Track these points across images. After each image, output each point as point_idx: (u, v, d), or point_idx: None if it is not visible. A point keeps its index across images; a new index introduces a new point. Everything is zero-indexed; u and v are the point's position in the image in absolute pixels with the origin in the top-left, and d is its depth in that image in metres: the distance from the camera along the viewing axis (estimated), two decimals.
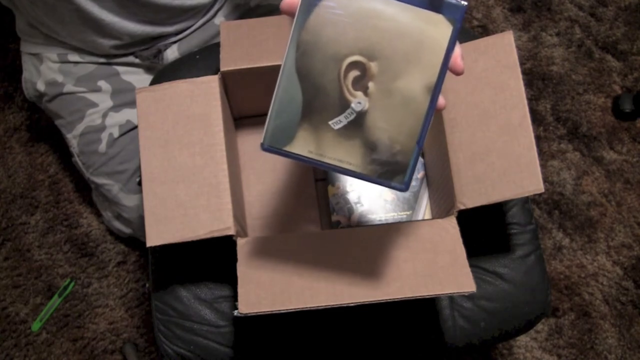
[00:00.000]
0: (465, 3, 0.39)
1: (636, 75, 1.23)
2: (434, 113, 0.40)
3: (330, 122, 0.40)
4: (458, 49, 0.40)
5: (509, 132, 0.57)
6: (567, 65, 1.23)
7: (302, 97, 0.40)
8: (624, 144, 1.18)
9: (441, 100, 0.41)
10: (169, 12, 0.80)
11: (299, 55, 0.39)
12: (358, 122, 0.40)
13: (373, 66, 0.39)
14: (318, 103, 0.40)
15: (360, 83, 0.40)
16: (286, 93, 0.40)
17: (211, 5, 0.86)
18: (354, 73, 0.39)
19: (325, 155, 0.40)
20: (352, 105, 0.40)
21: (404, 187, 0.41)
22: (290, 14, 0.40)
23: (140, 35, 0.82)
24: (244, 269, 0.52)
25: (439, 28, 0.39)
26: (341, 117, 0.40)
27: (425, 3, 0.38)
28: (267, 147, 0.40)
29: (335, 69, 0.39)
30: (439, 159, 0.62)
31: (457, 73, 0.41)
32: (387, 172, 0.41)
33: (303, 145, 0.40)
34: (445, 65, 0.39)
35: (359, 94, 0.40)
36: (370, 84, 0.40)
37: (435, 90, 0.39)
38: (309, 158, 0.40)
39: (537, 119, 1.20)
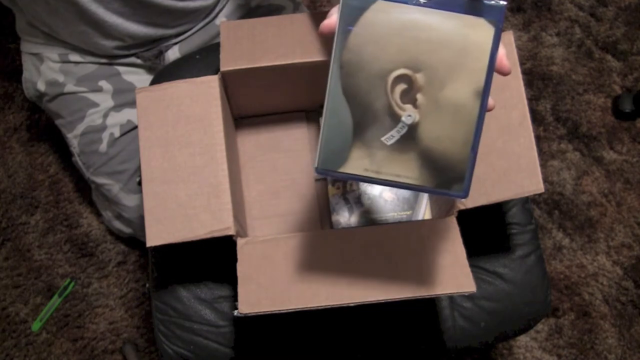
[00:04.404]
0: (505, 2, 0.38)
1: (636, 75, 1.23)
2: (484, 117, 0.40)
3: (382, 139, 0.40)
4: (502, 50, 0.40)
5: (509, 132, 0.57)
6: (567, 65, 1.23)
7: (352, 117, 0.39)
8: (624, 144, 1.18)
9: (491, 102, 0.40)
10: (172, 14, 0.80)
11: (343, 75, 0.39)
12: (411, 135, 0.40)
13: (419, 77, 0.39)
14: (368, 121, 0.39)
15: (409, 96, 0.39)
16: (335, 115, 0.39)
17: (213, 7, 0.86)
18: (401, 87, 0.39)
19: (382, 171, 0.40)
20: (403, 118, 0.39)
21: (463, 194, 0.40)
22: (329, 35, 0.40)
23: (142, 37, 0.82)
24: (244, 269, 0.52)
25: (481, 31, 0.38)
26: (393, 132, 0.40)
27: (463, 8, 0.38)
28: (320, 170, 0.40)
29: (382, 85, 0.39)
30: None
31: (504, 73, 0.40)
32: (445, 182, 0.40)
33: (358, 164, 0.40)
34: (492, 68, 0.39)
35: (409, 106, 0.39)
36: (419, 96, 0.39)
37: (484, 94, 0.39)
38: (365, 177, 0.40)
39: (537, 119, 1.20)
